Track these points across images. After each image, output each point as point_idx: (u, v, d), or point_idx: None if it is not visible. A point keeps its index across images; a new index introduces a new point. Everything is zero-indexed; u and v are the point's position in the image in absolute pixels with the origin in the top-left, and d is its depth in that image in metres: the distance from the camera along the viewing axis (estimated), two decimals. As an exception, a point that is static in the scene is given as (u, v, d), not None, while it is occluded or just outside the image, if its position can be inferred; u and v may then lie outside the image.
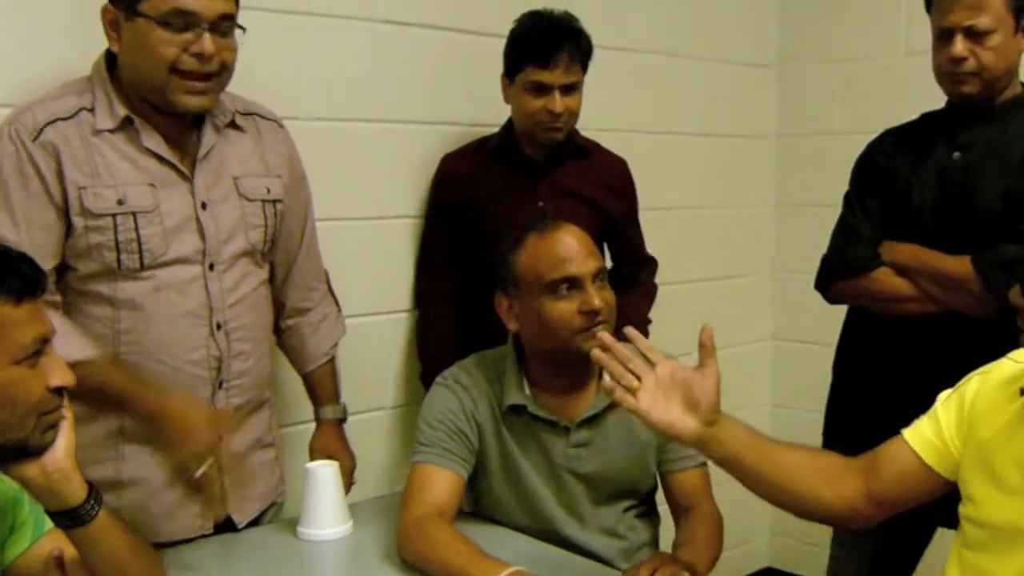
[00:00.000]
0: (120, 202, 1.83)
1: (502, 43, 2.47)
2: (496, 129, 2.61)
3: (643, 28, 3.21)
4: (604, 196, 2.58)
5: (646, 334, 2.55)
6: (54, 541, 1.52)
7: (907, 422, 2.08)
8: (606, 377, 1.63)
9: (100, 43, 1.87)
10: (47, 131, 1.79)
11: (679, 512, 2.08)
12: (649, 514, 2.15)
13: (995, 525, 1.54)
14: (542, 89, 2.41)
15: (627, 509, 2.09)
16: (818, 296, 2.44)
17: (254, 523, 2.11)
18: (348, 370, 2.37)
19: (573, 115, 2.47)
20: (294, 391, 2.36)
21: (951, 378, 1.98)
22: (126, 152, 1.85)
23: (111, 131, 1.84)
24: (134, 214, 1.84)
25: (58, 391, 1.41)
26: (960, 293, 2.18)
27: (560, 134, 2.48)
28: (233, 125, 1.98)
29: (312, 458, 2.21)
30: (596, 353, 1.66)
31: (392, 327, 2.71)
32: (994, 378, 1.59)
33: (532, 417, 2.01)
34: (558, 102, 2.41)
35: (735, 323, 3.61)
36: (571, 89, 2.43)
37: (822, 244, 2.43)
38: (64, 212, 1.82)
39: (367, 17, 2.57)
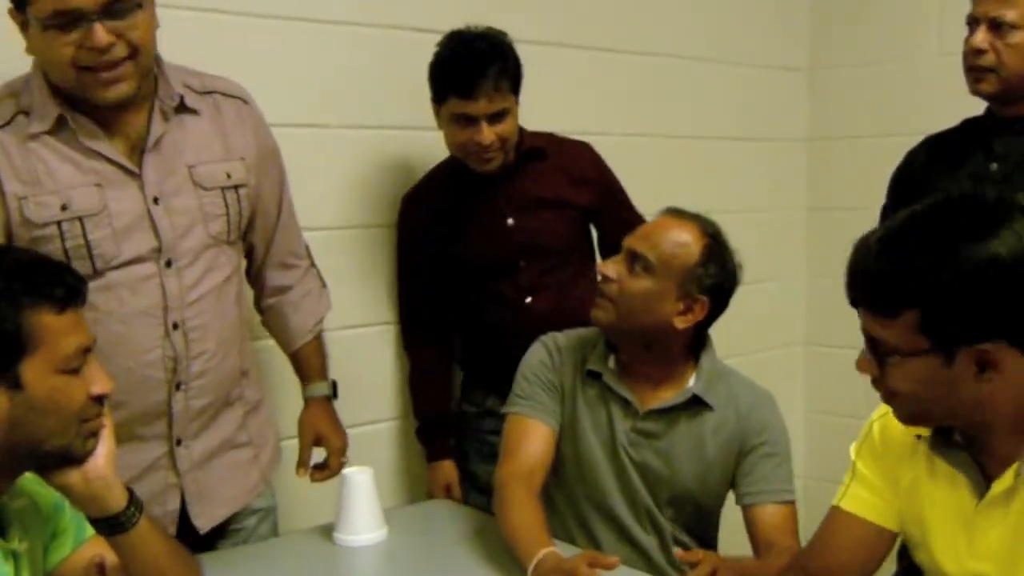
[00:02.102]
0: (64, 207, 1.74)
1: (519, 47, 2.36)
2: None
3: (673, 33, 3.21)
4: (571, 191, 2.44)
5: None
6: (95, 547, 1.54)
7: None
8: None
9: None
10: None
11: (759, 550, 1.99)
12: (704, 540, 2.10)
13: (950, 572, 1.52)
14: (468, 120, 2.26)
15: (677, 520, 2.06)
16: (851, 299, 2.42)
17: (219, 529, 2.01)
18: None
19: (506, 140, 2.31)
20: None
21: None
22: (66, 154, 1.76)
23: (47, 133, 1.75)
24: (80, 219, 1.75)
25: (98, 399, 1.43)
26: None
27: (494, 164, 2.33)
28: (183, 108, 1.86)
29: (300, 437, 2.15)
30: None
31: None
32: (894, 422, 1.55)
33: (608, 389, 2.03)
34: (485, 133, 2.26)
35: (767, 327, 3.60)
36: (499, 116, 2.27)
37: (854, 247, 2.41)
38: (6, 226, 1.74)
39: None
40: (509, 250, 2.40)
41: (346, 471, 2.07)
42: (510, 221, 2.40)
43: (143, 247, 1.80)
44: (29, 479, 1.49)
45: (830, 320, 3.61)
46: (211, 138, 1.89)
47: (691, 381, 2.03)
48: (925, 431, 1.51)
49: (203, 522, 1.95)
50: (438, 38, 2.33)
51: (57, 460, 1.42)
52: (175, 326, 1.84)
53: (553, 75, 2.84)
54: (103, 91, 1.72)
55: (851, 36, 3.56)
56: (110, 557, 1.51)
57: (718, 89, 3.38)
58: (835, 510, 1.63)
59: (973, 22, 2.13)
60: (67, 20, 1.65)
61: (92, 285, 1.72)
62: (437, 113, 2.33)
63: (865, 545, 1.60)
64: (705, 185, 3.35)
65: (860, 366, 1.44)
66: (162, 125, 1.82)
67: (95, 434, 1.44)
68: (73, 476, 1.43)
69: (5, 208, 1.73)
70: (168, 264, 1.83)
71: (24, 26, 1.71)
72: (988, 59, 2.10)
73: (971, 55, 2.13)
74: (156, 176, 1.81)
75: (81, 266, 1.73)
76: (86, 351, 1.41)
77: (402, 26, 2.56)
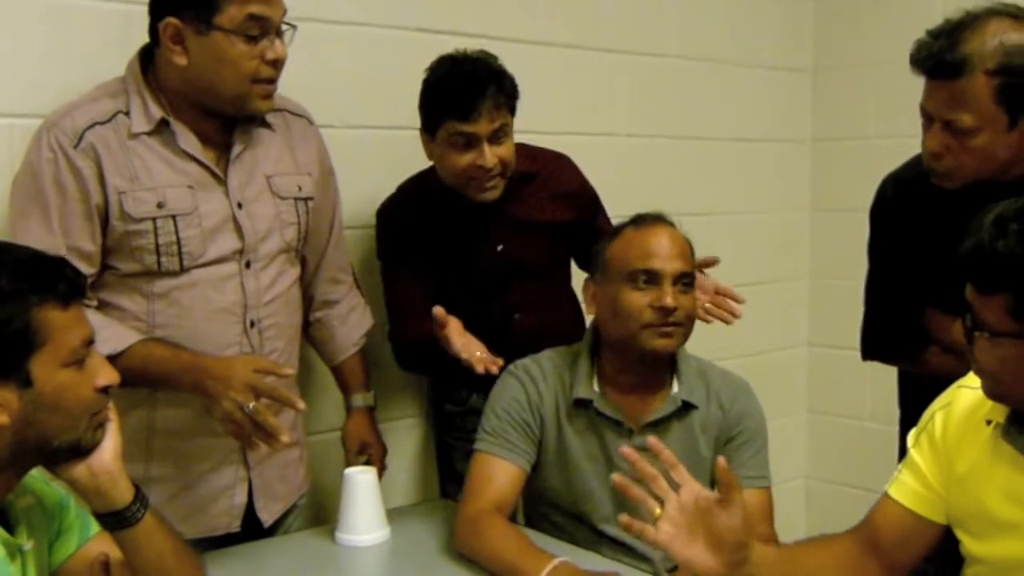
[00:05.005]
0: (160, 205, 1.84)
1: (527, 48, 2.37)
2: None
3: (677, 34, 3.21)
4: (557, 209, 2.38)
5: None
6: (101, 544, 1.54)
7: None
8: (623, 516, 1.56)
9: (129, 50, 1.90)
10: (87, 136, 1.81)
11: None
12: None
13: (996, 560, 1.53)
14: (468, 143, 2.16)
15: None
16: (854, 301, 2.41)
17: (277, 524, 2.12)
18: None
19: (507, 164, 2.21)
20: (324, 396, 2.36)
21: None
22: (163, 155, 1.87)
23: (147, 134, 1.85)
24: (174, 217, 1.85)
25: (104, 390, 1.44)
26: None
27: (495, 192, 2.22)
28: (263, 123, 1.99)
29: (345, 445, 2.25)
30: (618, 479, 1.59)
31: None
32: (958, 410, 1.58)
33: (597, 414, 2.02)
34: (488, 155, 2.16)
35: (770, 328, 3.59)
36: (499, 135, 2.18)
37: (858, 249, 2.40)
38: (104, 217, 1.84)
39: (399, 25, 2.55)
40: (501, 274, 2.35)
41: (348, 471, 2.09)
42: (500, 247, 2.33)
43: (227, 248, 1.92)
44: (35, 477, 1.50)
45: (833, 321, 3.60)
46: (284, 152, 2.03)
47: (675, 386, 2.05)
48: (997, 416, 1.52)
49: (267, 515, 2.06)
50: (442, 38, 2.32)
51: (67, 454, 1.42)
52: (252, 324, 1.95)
53: (557, 76, 2.84)
54: (261, 103, 1.88)
55: (855, 37, 3.55)
56: (115, 554, 1.52)
57: (722, 90, 3.38)
58: (884, 496, 1.65)
59: (926, 117, 1.87)
60: (257, 29, 1.80)
61: (177, 282, 1.89)
62: (430, 141, 2.23)
63: (907, 533, 1.62)
64: (709, 186, 3.35)
65: (955, 332, 1.47)
66: (244, 137, 1.95)
67: (102, 425, 1.45)
68: (79, 470, 1.44)
69: (105, 200, 1.83)
70: (248, 265, 1.94)
71: (178, 38, 1.80)
72: (946, 163, 1.85)
73: (927, 155, 1.88)
74: (239, 183, 1.94)
75: (169, 262, 1.87)
76: (89, 343, 1.41)
77: (406, 27, 2.55)
